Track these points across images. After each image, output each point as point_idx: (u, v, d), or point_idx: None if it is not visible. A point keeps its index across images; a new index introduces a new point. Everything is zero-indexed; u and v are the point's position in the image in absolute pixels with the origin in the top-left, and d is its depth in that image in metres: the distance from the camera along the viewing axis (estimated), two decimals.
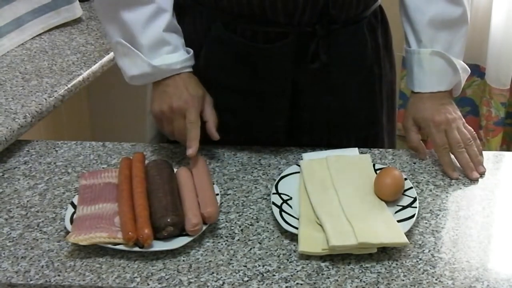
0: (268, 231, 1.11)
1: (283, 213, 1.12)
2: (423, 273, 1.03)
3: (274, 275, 1.02)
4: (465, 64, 1.34)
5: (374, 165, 1.24)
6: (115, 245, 1.06)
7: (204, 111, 1.25)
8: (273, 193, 1.17)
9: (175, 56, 1.24)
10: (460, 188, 1.23)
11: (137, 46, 1.23)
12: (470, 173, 1.25)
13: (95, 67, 1.64)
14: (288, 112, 1.32)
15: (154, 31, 1.23)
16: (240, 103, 1.31)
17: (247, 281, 1.01)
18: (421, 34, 1.32)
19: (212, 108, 1.26)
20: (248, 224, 1.13)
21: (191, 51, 1.27)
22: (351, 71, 1.32)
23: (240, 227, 1.13)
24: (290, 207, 1.15)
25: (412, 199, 1.15)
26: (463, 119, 1.31)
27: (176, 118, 1.23)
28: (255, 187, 1.22)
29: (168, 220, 1.06)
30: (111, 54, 1.70)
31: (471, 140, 1.28)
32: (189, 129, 1.21)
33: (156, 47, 1.23)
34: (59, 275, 1.03)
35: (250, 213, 1.16)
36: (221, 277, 1.02)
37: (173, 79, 1.24)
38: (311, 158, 1.26)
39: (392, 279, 1.02)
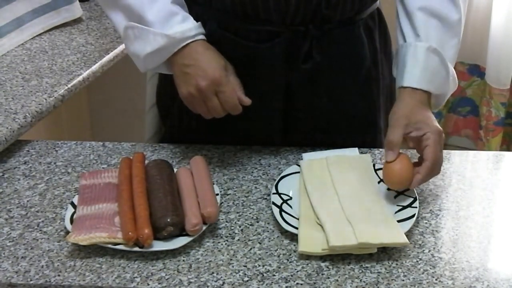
0: (268, 231, 1.11)
1: (283, 213, 1.12)
2: (423, 273, 1.03)
3: (274, 275, 1.02)
4: (455, 75, 1.26)
5: (374, 165, 1.24)
6: (115, 245, 1.06)
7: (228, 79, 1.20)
8: (273, 193, 1.17)
9: (187, 24, 1.20)
10: (460, 188, 1.23)
11: (146, 24, 1.19)
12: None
13: (95, 67, 1.64)
14: (282, 112, 1.32)
15: (161, 5, 1.19)
16: None
17: (247, 281, 1.01)
18: (415, 23, 1.24)
19: (234, 75, 1.22)
20: (248, 224, 1.13)
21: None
22: (346, 73, 1.30)
23: (240, 227, 1.13)
24: (290, 207, 1.15)
25: (412, 199, 1.15)
26: None
27: (208, 98, 1.19)
28: (255, 187, 1.22)
29: (168, 220, 1.06)
30: (111, 54, 1.70)
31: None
32: (229, 101, 1.19)
33: (166, 19, 1.19)
34: (59, 275, 1.03)
35: (250, 213, 1.16)
36: (221, 277, 1.02)
37: (190, 57, 1.19)
38: (311, 158, 1.26)
39: (392, 279, 1.02)
